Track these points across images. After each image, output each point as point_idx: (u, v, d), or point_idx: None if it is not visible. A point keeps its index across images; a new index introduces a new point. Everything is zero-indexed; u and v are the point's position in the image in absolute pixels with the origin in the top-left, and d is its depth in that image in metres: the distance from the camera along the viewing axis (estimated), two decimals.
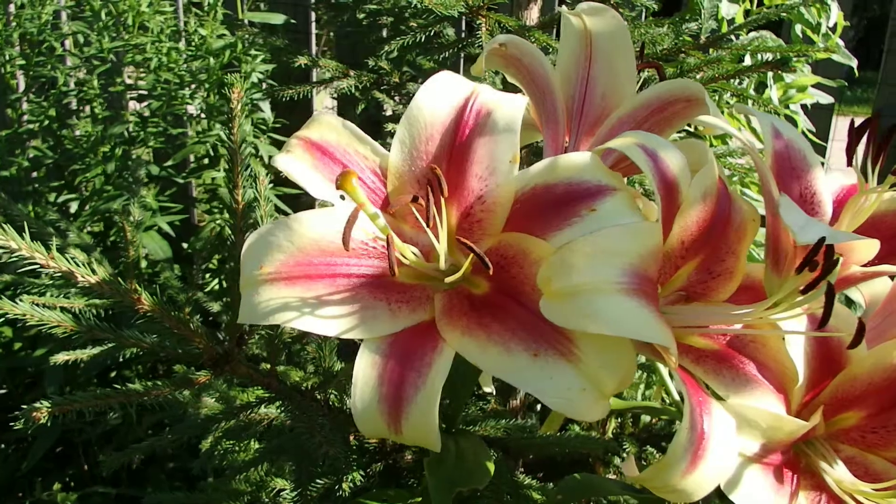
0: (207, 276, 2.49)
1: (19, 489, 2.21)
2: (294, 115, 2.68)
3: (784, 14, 1.69)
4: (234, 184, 0.94)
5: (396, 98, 1.85)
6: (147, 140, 2.64)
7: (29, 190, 2.63)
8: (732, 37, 1.71)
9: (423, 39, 1.56)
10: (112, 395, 0.84)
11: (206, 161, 2.71)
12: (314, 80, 2.15)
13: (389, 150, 0.73)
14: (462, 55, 2.12)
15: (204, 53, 2.58)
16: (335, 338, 0.86)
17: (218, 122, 2.61)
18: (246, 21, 2.69)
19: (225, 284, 2.43)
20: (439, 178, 0.68)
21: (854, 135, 0.80)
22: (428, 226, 0.68)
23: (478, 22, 1.48)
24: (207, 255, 2.44)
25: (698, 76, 1.48)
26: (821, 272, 0.61)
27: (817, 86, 2.32)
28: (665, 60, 1.55)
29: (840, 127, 2.39)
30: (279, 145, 2.54)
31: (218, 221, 2.53)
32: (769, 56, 1.52)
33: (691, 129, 1.64)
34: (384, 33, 2.04)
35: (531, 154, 1.51)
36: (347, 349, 0.85)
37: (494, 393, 1.42)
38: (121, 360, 1.06)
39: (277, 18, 2.74)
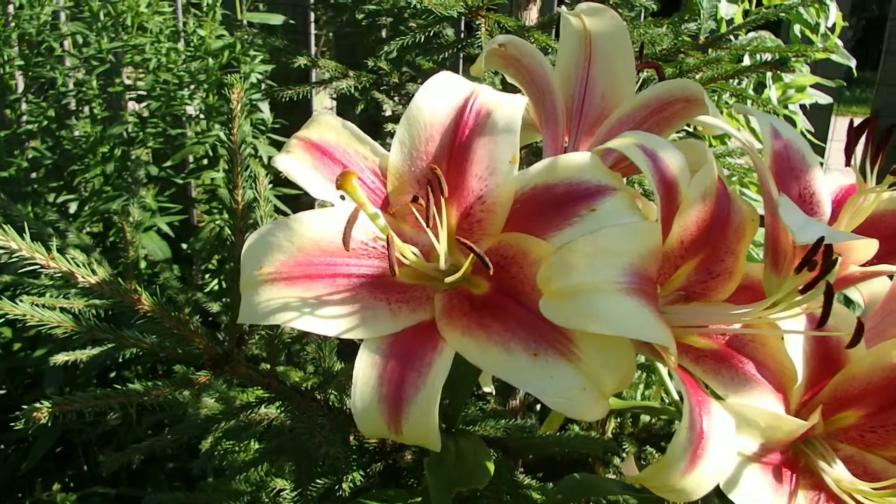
0: (207, 276, 2.49)
1: (19, 489, 2.21)
2: (293, 116, 2.68)
3: (783, 14, 1.69)
4: (234, 184, 0.94)
5: (396, 98, 1.85)
6: (146, 141, 2.63)
7: (28, 190, 2.63)
8: (731, 37, 1.71)
9: (422, 40, 1.56)
10: (112, 396, 0.84)
11: (205, 161, 2.70)
12: (313, 80, 2.15)
13: (389, 151, 0.73)
14: (461, 55, 2.12)
15: (203, 54, 2.58)
16: (335, 338, 0.87)
17: (217, 123, 2.60)
18: (245, 21, 2.69)
19: (224, 285, 2.43)
20: (439, 178, 0.68)
21: (853, 135, 0.80)
22: (428, 226, 0.68)
23: (477, 22, 1.48)
24: (207, 255, 2.44)
25: (697, 76, 1.48)
26: (820, 272, 0.61)
27: (816, 86, 2.32)
28: (664, 60, 1.55)
29: (839, 127, 2.39)
30: (278, 146, 2.54)
31: (217, 222, 2.53)
32: (768, 56, 1.52)
33: (690, 130, 1.65)
34: (383, 34, 2.03)
35: (531, 154, 1.51)
36: (347, 349, 0.85)
37: (494, 393, 1.42)
38: (120, 360, 1.06)
39: (276, 19, 2.74)
